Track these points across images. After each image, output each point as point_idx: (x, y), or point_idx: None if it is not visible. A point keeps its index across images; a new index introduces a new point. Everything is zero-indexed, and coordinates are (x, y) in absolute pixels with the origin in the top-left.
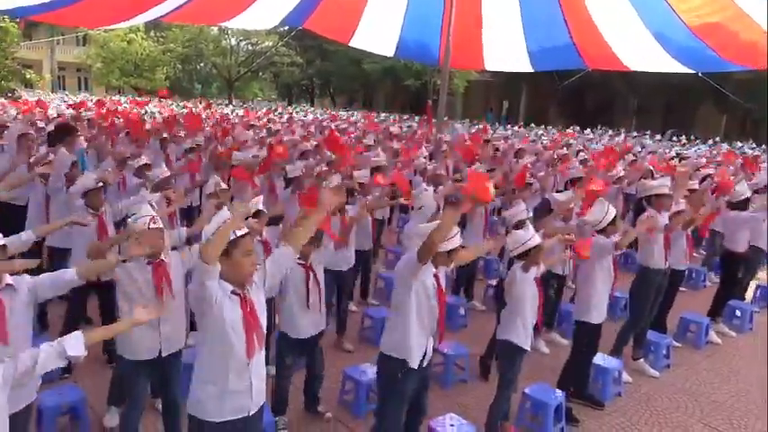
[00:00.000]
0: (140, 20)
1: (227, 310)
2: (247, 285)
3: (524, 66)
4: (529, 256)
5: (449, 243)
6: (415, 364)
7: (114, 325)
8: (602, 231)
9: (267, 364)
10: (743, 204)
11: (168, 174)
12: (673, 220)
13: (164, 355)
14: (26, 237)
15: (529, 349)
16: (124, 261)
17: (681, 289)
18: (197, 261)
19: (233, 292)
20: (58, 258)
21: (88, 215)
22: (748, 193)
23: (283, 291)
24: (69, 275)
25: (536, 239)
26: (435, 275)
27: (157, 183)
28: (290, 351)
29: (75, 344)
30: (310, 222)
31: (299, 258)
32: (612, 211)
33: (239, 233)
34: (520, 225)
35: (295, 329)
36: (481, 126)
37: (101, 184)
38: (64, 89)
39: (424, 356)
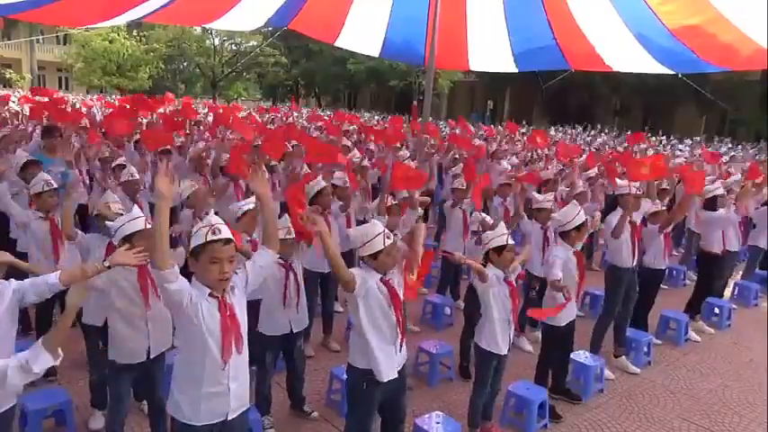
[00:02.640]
0: (123, 19)
1: (204, 312)
2: (227, 290)
3: (509, 66)
4: (498, 254)
5: (497, 240)
6: (383, 378)
7: (61, 318)
8: (564, 234)
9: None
10: (712, 203)
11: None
12: (651, 219)
13: (151, 356)
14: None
15: (503, 353)
16: (108, 267)
17: (663, 287)
18: (152, 269)
19: (210, 295)
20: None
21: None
22: (719, 192)
23: (262, 289)
24: (52, 280)
25: (507, 240)
26: (384, 281)
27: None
28: (267, 349)
29: (40, 356)
30: (267, 220)
31: (279, 257)
32: (581, 218)
33: (210, 237)
34: (491, 226)
35: (271, 327)
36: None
37: (53, 186)
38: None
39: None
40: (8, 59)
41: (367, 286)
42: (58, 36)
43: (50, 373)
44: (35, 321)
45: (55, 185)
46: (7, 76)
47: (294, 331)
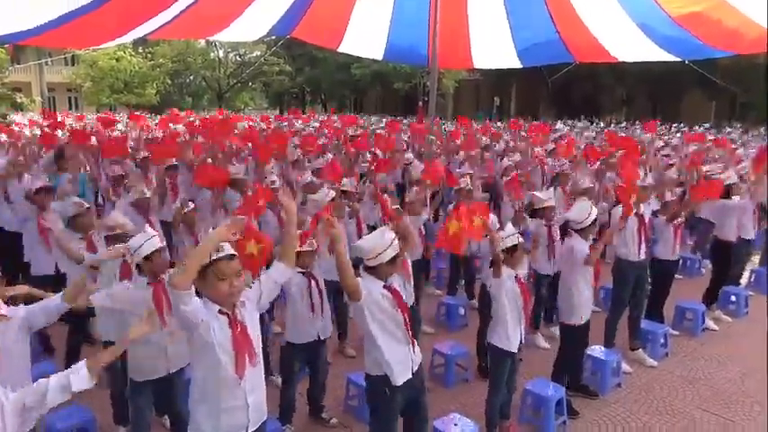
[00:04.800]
0: (128, 38)
1: (215, 330)
2: (237, 304)
3: (513, 62)
4: (509, 253)
5: (508, 240)
6: (399, 381)
7: (115, 346)
8: (581, 231)
9: (271, 374)
10: (726, 191)
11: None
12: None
13: (171, 372)
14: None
15: (513, 351)
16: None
17: (677, 276)
18: (170, 288)
19: (220, 312)
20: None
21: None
22: (732, 180)
23: (287, 300)
24: (55, 302)
25: (518, 239)
26: (387, 287)
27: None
28: (296, 358)
29: (80, 378)
30: (288, 234)
31: (300, 268)
32: (594, 213)
33: (215, 256)
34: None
35: (300, 335)
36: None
37: (86, 206)
38: (55, 110)
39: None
40: (19, 83)
41: (372, 296)
42: (66, 57)
43: None
44: (66, 344)
45: (87, 205)
46: (18, 100)
47: (321, 338)
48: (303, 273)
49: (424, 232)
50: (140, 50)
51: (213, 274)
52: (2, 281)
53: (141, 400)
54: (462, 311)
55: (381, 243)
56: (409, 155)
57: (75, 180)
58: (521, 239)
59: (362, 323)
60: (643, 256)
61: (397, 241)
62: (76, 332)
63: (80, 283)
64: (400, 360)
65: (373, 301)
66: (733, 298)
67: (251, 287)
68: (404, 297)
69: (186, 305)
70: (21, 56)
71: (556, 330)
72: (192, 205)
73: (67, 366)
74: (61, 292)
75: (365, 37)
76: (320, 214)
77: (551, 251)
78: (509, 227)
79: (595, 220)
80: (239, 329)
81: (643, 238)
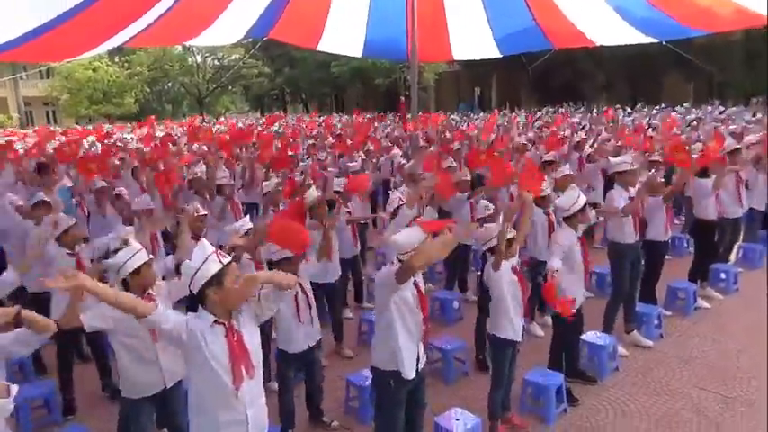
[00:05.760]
0: (104, 48)
1: (208, 340)
2: (234, 314)
3: (492, 52)
4: (501, 252)
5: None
6: (410, 375)
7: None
8: (568, 220)
9: (268, 380)
10: (705, 171)
11: (152, 205)
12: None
13: (167, 386)
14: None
15: (518, 339)
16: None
17: (667, 257)
18: (139, 320)
19: (216, 322)
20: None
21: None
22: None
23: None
24: (49, 323)
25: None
26: (415, 284)
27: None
28: (290, 366)
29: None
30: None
31: None
32: (582, 200)
33: (226, 260)
34: (489, 219)
35: (291, 344)
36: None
37: (73, 221)
38: (32, 124)
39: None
40: None
41: (403, 290)
42: (41, 71)
43: (70, 411)
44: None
45: (75, 220)
46: None
47: (311, 346)
48: None
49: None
50: (117, 60)
51: (229, 278)
52: None
53: (141, 418)
54: (456, 305)
55: (417, 238)
56: (397, 150)
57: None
58: (514, 231)
59: (383, 314)
60: (637, 238)
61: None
62: (67, 350)
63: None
64: (411, 355)
65: (404, 294)
66: (723, 275)
67: (248, 301)
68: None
69: (164, 323)
70: None
71: (549, 319)
72: (202, 211)
73: (62, 385)
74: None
75: (343, 34)
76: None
77: (550, 238)
78: (501, 219)
79: (584, 206)
80: (236, 339)
81: (637, 221)
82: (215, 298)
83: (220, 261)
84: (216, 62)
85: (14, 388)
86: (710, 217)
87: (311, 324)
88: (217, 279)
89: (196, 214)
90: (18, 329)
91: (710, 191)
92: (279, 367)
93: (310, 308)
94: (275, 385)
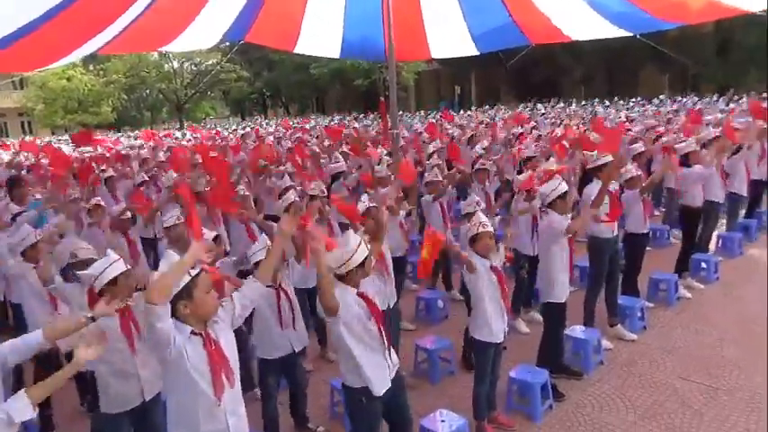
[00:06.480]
0: (75, 56)
1: (189, 352)
2: (210, 323)
3: (469, 49)
4: (476, 243)
5: (351, 261)
6: (379, 392)
7: (59, 373)
8: (552, 205)
9: (251, 388)
10: (686, 159)
11: (122, 209)
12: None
13: (146, 399)
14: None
15: (497, 341)
16: (92, 319)
17: (648, 248)
18: (144, 304)
19: (193, 333)
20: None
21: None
22: (691, 148)
23: (255, 315)
24: (35, 339)
25: (479, 228)
26: (360, 294)
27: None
28: (271, 373)
29: (22, 408)
30: (274, 254)
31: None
32: (563, 188)
33: (194, 271)
34: (469, 216)
35: (271, 351)
36: (440, 114)
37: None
38: (7, 135)
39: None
40: None
41: (348, 307)
42: (13, 81)
43: (49, 427)
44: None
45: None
46: None
47: (296, 351)
48: (271, 286)
49: (406, 228)
50: (91, 68)
51: (200, 289)
52: None
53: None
54: (441, 304)
55: (347, 250)
56: (381, 149)
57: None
58: (487, 227)
59: (338, 337)
60: (616, 232)
61: (364, 244)
62: (46, 367)
63: (71, 327)
64: (378, 369)
65: (349, 314)
66: (703, 265)
67: (223, 306)
68: (382, 299)
69: (163, 322)
70: None
71: (535, 315)
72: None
73: (40, 407)
74: (41, 330)
75: (320, 36)
76: (303, 223)
77: (534, 231)
78: (477, 215)
79: (565, 193)
80: (214, 348)
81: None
82: (185, 311)
83: (188, 273)
84: (193, 67)
85: None
86: (697, 204)
87: (293, 330)
88: (186, 292)
89: (179, 221)
90: (11, 341)
91: (698, 179)
92: (260, 374)
93: (293, 314)
94: (258, 393)
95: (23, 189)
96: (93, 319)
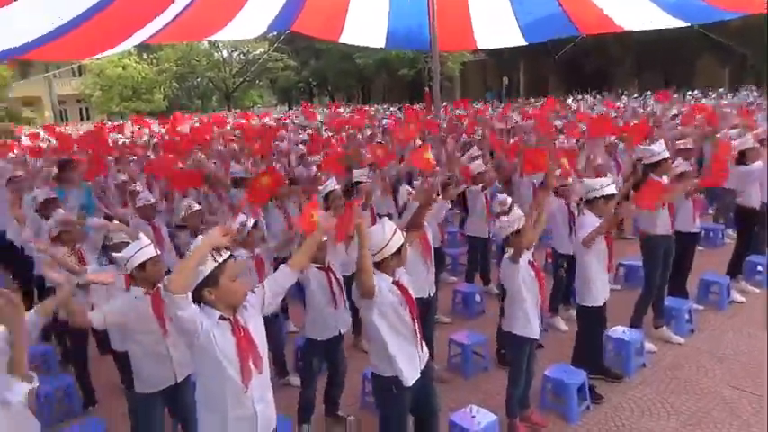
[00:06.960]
0: (127, 45)
1: (217, 337)
2: (239, 309)
3: (517, 39)
4: (513, 242)
5: (387, 249)
6: (409, 382)
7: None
8: (591, 204)
9: (286, 375)
10: (743, 156)
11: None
12: (677, 184)
13: (179, 380)
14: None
15: (535, 337)
16: (79, 285)
17: (699, 248)
18: (165, 293)
19: (221, 318)
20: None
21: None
22: (748, 144)
23: (307, 297)
24: (31, 321)
25: (517, 224)
26: (396, 282)
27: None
28: (316, 354)
29: (14, 387)
30: (310, 244)
31: (316, 264)
32: (610, 189)
33: (221, 258)
34: (504, 212)
35: (322, 331)
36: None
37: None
38: (67, 120)
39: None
40: (30, 98)
41: (383, 293)
42: (73, 69)
43: (90, 402)
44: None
45: (74, 218)
46: (24, 115)
47: (341, 333)
48: (320, 268)
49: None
50: (145, 57)
51: (226, 276)
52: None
53: (152, 412)
54: (479, 298)
55: (383, 237)
56: (418, 142)
57: (80, 192)
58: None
59: (369, 321)
60: (670, 229)
61: (399, 232)
62: (81, 344)
63: (64, 299)
64: (409, 359)
65: (384, 299)
66: (759, 267)
67: (254, 291)
68: (422, 286)
69: (183, 310)
70: (29, 70)
71: (573, 312)
72: (196, 206)
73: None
74: (34, 309)
75: (365, 26)
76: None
77: (571, 229)
78: (515, 210)
79: (611, 195)
80: (242, 334)
81: (671, 212)
82: (211, 298)
83: (215, 259)
84: (242, 56)
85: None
86: (754, 205)
87: (344, 309)
88: (212, 279)
89: (189, 211)
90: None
91: (756, 177)
92: (304, 357)
93: (342, 294)
94: (296, 379)
95: (72, 173)
96: (78, 285)
